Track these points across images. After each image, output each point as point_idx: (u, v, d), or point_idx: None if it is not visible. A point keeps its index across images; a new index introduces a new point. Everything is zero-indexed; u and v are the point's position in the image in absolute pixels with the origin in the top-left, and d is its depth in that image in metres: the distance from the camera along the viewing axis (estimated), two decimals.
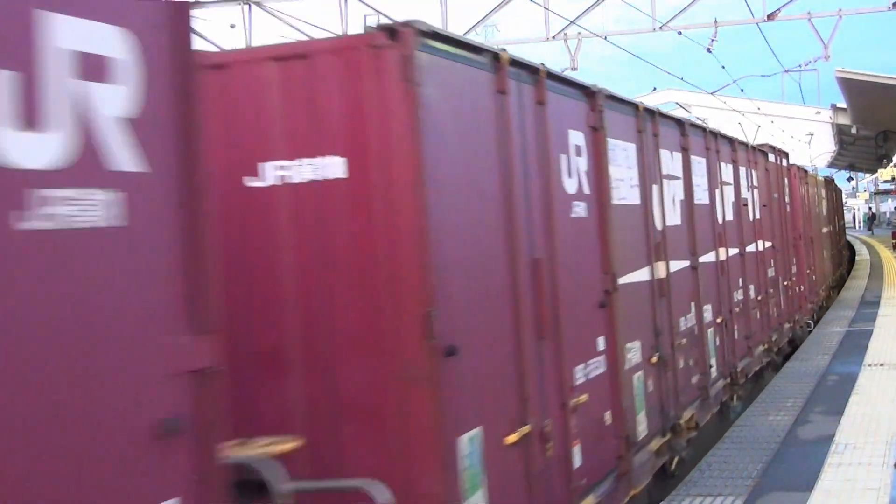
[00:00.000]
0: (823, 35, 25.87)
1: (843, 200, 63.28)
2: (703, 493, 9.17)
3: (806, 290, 21.80)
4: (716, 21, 25.25)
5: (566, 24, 24.88)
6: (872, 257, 42.22)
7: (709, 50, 25.95)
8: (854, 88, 31.66)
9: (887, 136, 44.50)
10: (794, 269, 20.06)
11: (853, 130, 44.33)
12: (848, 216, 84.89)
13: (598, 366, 7.97)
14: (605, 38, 24.69)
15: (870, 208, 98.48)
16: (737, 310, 13.89)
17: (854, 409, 12.13)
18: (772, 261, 17.14)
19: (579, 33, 25.25)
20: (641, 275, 9.52)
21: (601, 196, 8.40)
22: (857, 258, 42.72)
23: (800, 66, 39.45)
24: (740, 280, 14.33)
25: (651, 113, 10.42)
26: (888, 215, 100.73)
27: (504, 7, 25.17)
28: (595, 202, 8.27)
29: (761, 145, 18.05)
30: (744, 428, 11.76)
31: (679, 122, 11.89)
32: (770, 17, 24.46)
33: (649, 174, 10.02)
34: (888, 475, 9.12)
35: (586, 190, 8.10)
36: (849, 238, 51.36)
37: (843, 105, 38.68)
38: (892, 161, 57.05)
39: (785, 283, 18.39)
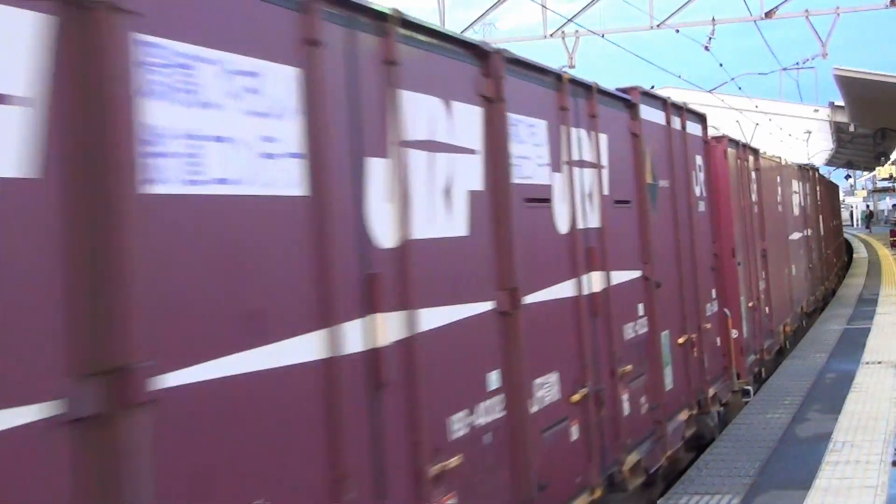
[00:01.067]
0: (821, 33, 25.90)
1: (841, 198, 63.37)
2: (701, 491, 9.16)
3: (745, 337, 14.10)
4: (713, 19, 25.26)
5: (564, 21, 24.89)
6: (870, 255, 42.27)
7: (706, 48, 25.95)
8: (852, 86, 31.67)
9: (885, 133, 44.55)
10: (710, 308, 12.04)
11: (851, 128, 44.39)
12: (845, 214, 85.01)
13: None
14: (603, 35, 24.68)
15: (867, 206, 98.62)
16: (486, 438, 5.99)
17: (852, 406, 12.12)
18: (640, 306, 9.25)
19: (577, 31, 25.27)
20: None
21: None
22: (854, 256, 42.76)
23: (797, 63, 39.46)
24: (492, 376, 6.03)
25: None
26: (886, 213, 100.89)
27: (502, 5, 25.19)
28: None
29: (627, 88, 9.72)
30: (741, 426, 11.75)
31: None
32: (768, 14, 24.46)
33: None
34: (886, 473, 9.11)
35: None
36: (846, 236, 51.36)
37: (841, 103, 38.72)
38: (889, 159, 57.12)
39: (682, 339, 10.45)
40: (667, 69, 28.79)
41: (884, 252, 44.03)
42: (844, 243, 44.01)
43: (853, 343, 17.41)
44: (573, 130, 7.83)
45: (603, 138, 8.55)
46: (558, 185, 7.49)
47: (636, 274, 9.21)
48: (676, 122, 11.11)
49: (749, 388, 13.82)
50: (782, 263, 18.88)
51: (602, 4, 25.49)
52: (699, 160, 12.11)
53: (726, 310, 12.94)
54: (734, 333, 13.23)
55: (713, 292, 12.29)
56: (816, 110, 47.77)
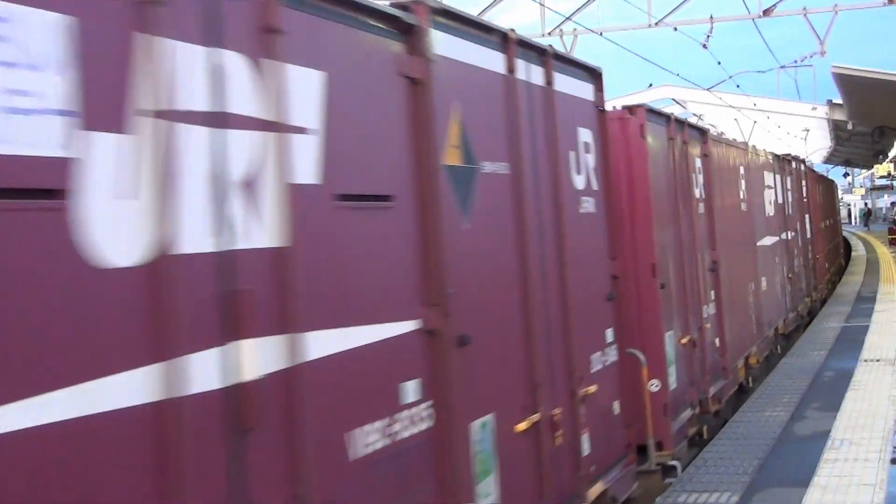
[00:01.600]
0: (819, 31, 25.95)
1: (840, 196, 63.42)
2: (700, 489, 9.16)
3: (671, 390, 10.21)
4: (711, 17, 25.25)
5: (562, 19, 24.89)
6: (869, 253, 42.30)
7: (704, 46, 25.93)
8: (850, 84, 31.65)
9: (883, 131, 44.54)
10: (601, 359, 7.97)
11: (849, 126, 44.39)
12: (843, 212, 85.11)
13: None
14: (601, 33, 24.66)
15: (866, 204, 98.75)
16: None
17: (850, 404, 12.12)
18: (411, 385, 5.15)
19: (575, 29, 25.27)
20: None
21: None
22: (853, 254, 42.81)
23: (795, 61, 39.45)
24: None
25: None
26: (884, 211, 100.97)
27: (500, 3, 25.17)
28: None
29: (406, 3, 5.39)
30: (740, 424, 11.75)
31: None
32: (766, 12, 24.45)
33: None
34: (885, 470, 9.12)
35: None
36: (844, 234, 51.37)
37: (839, 101, 38.70)
38: (887, 157, 57.14)
39: (526, 424, 6.48)
40: (665, 67, 28.79)
41: (882, 250, 44.07)
42: (843, 243, 44.00)
43: (852, 341, 17.41)
44: (187, 49, 3.76)
45: (307, 77, 4.50)
46: (105, 161, 3.36)
47: (403, 327, 5.09)
48: (534, 74, 7.12)
49: (675, 462, 9.86)
50: (745, 277, 15.01)
51: (600, 2, 25.48)
52: (587, 136, 8.11)
53: (639, 354, 9.47)
54: (653, 386, 9.68)
55: (608, 333, 8.18)
56: (814, 108, 47.73)
